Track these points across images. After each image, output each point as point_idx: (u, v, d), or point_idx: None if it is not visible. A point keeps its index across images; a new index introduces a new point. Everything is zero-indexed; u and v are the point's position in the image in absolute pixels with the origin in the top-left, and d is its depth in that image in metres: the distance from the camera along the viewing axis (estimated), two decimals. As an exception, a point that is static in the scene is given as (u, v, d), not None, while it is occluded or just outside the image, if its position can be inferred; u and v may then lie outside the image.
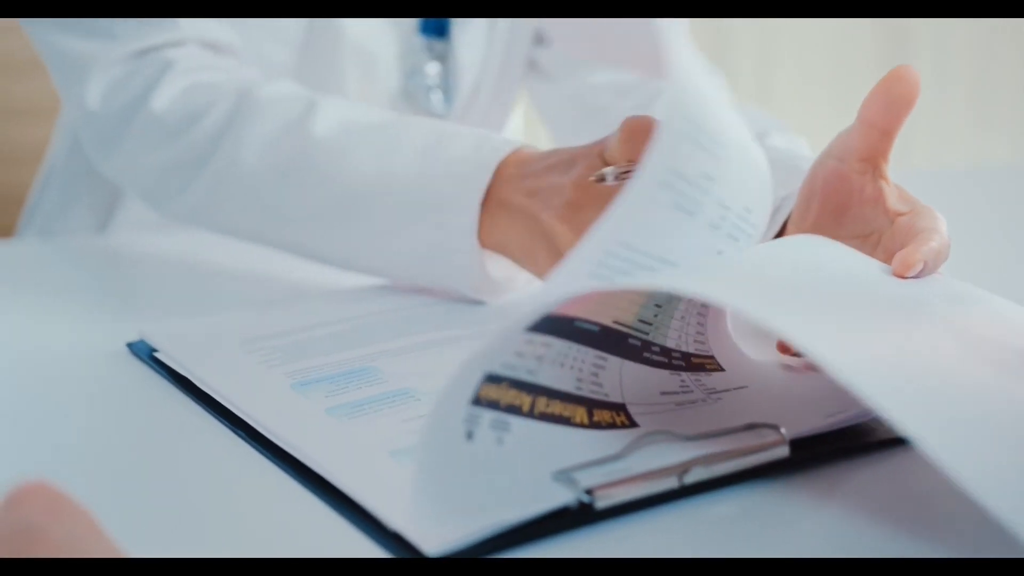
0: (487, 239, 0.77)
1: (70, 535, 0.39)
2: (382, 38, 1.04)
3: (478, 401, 0.53)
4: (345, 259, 0.83)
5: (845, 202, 0.71)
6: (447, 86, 1.05)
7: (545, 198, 0.74)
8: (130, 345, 0.76)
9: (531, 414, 0.55)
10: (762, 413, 0.61)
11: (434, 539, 0.50)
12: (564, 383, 0.57)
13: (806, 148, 0.87)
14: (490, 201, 0.77)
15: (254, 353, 0.72)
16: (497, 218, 0.77)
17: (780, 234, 0.78)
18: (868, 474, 0.59)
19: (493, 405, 0.53)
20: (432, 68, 1.04)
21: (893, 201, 0.70)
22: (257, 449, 0.62)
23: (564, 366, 0.57)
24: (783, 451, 0.59)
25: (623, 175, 0.71)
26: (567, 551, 0.52)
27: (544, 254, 0.74)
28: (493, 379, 0.53)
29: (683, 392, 0.63)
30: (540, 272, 0.76)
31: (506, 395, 0.54)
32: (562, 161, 0.75)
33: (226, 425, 0.65)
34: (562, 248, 0.72)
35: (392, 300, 0.80)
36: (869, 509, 0.56)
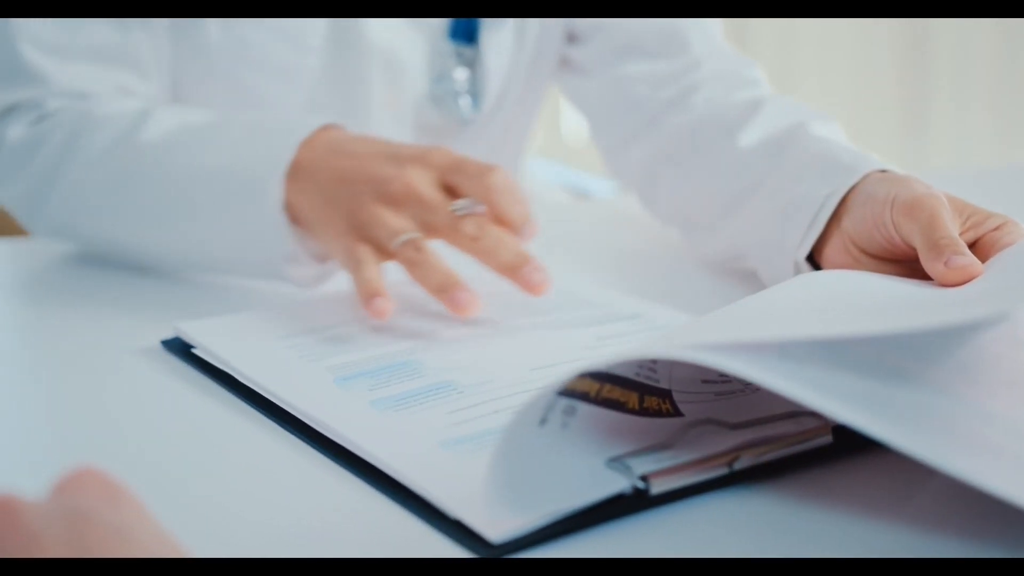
0: (297, 214, 0.82)
1: (122, 521, 0.39)
2: (409, 43, 1.05)
3: (563, 391, 0.54)
4: (182, 258, 0.89)
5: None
6: (475, 91, 1.06)
7: (354, 176, 0.80)
8: (164, 342, 0.76)
9: (596, 399, 0.56)
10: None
11: (497, 526, 0.51)
12: (628, 370, 0.58)
13: (844, 137, 0.88)
14: (299, 173, 0.82)
15: (293, 349, 0.72)
16: (304, 191, 0.82)
17: (823, 236, 0.79)
18: (911, 461, 0.60)
19: (571, 393, 0.54)
20: (461, 74, 1.05)
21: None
22: (305, 441, 0.62)
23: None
24: (826, 438, 0.60)
25: (466, 211, 0.78)
26: (621, 538, 0.53)
27: (343, 226, 0.79)
28: (584, 374, 0.54)
29: (722, 382, 0.64)
30: (332, 246, 0.80)
31: (582, 383, 0.55)
32: (382, 151, 0.81)
33: (271, 418, 0.65)
34: (361, 221, 0.78)
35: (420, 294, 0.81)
36: (913, 496, 0.57)
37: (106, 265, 0.93)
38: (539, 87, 1.11)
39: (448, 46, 1.05)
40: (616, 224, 1.08)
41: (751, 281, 0.86)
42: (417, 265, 0.77)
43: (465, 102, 1.06)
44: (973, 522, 0.54)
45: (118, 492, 0.41)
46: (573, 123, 1.12)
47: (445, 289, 0.76)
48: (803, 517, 0.55)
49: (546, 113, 1.18)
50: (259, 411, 0.66)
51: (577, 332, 0.75)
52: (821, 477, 0.58)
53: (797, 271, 0.81)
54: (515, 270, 0.77)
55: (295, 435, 0.63)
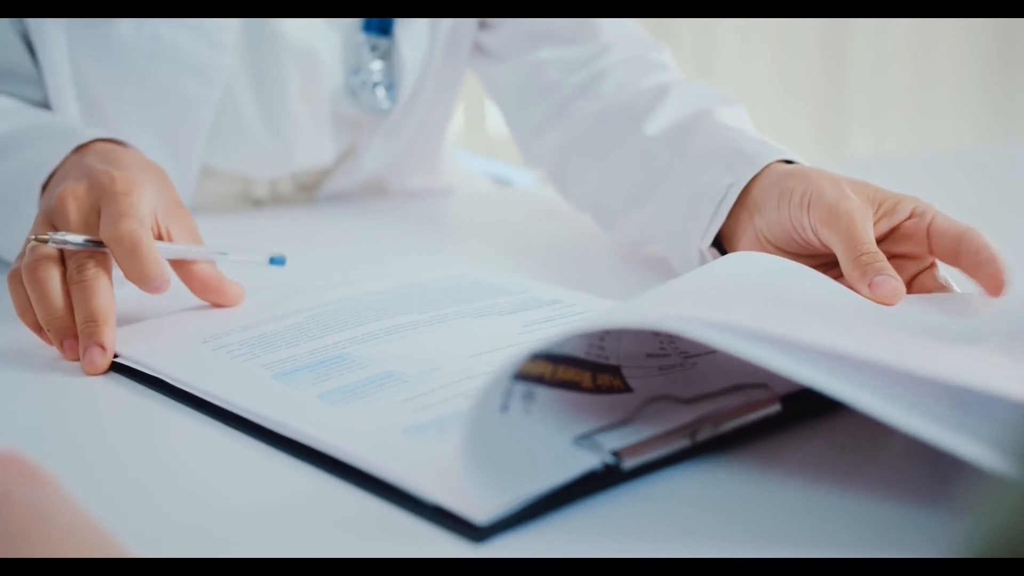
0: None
1: (41, 501, 0.40)
2: (323, 37, 1.04)
3: (518, 376, 0.54)
4: None
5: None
6: (391, 82, 1.05)
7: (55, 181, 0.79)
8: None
9: (552, 382, 0.56)
10: (742, 375, 0.63)
11: (481, 509, 0.51)
12: (579, 348, 0.58)
13: (750, 123, 0.90)
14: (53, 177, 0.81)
15: (219, 350, 0.71)
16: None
17: (726, 226, 0.81)
18: (854, 422, 0.62)
19: (525, 377, 0.54)
20: (376, 65, 1.04)
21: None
22: (256, 438, 0.61)
23: (583, 335, 0.58)
24: (775, 408, 0.61)
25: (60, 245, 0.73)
26: (597, 515, 0.53)
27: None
28: (535, 356, 0.54)
29: (662, 355, 0.65)
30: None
31: (536, 367, 0.55)
32: (99, 169, 0.77)
33: (215, 419, 0.64)
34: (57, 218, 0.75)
35: (337, 292, 0.80)
36: (863, 455, 0.59)
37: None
38: (456, 75, 1.11)
39: (362, 38, 1.04)
40: (537, 213, 1.09)
41: (666, 270, 0.88)
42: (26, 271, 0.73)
43: (381, 93, 1.05)
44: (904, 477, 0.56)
45: (36, 473, 0.41)
46: (496, 118, 1.12)
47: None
48: (761, 483, 0.57)
49: (469, 108, 1.18)
50: (200, 412, 0.64)
51: (503, 319, 0.75)
52: (772, 444, 0.60)
53: (702, 260, 0.83)
54: (77, 334, 0.71)
55: (244, 433, 0.62)
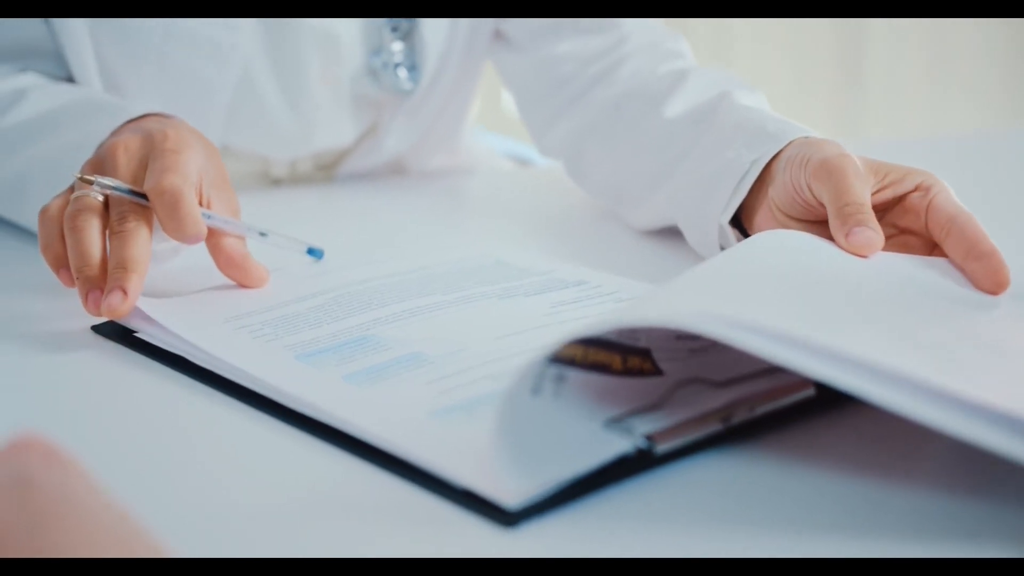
0: None
1: (66, 485, 0.39)
2: (343, 18, 1.02)
3: (551, 358, 0.53)
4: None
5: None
6: (412, 62, 1.04)
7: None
8: (95, 327, 0.73)
9: (583, 364, 0.55)
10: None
11: (511, 493, 0.50)
12: (609, 332, 0.57)
13: (768, 106, 0.89)
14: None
15: (242, 330, 0.70)
16: None
17: (746, 202, 0.79)
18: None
19: (557, 360, 0.53)
20: (397, 46, 1.03)
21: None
22: (280, 419, 0.60)
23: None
24: (809, 391, 0.60)
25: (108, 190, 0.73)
26: (632, 499, 0.52)
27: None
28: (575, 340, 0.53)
29: (692, 338, 0.64)
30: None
31: (568, 349, 0.54)
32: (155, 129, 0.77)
33: (238, 399, 0.63)
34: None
35: (360, 273, 0.79)
36: (905, 441, 0.58)
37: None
38: (477, 59, 1.10)
39: (383, 19, 1.03)
40: (558, 191, 1.08)
41: (689, 247, 0.86)
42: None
43: (403, 74, 1.04)
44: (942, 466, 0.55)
45: (61, 457, 0.40)
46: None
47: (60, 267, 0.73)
48: (795, 471, 0.55)
49: (486, 88, 1.17)
50: (223, 392, 0.63)
51: (529, 300, 0.74)
52: (806, 430, 0.59)
53: (721, 236, 0.82)
54: (106, 282, 0.70)
55: (268, 414, 0.61)
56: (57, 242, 0.73)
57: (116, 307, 0.69)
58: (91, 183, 0.73)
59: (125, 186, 0.73)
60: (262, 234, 0.79)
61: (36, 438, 0.41)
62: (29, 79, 0.96)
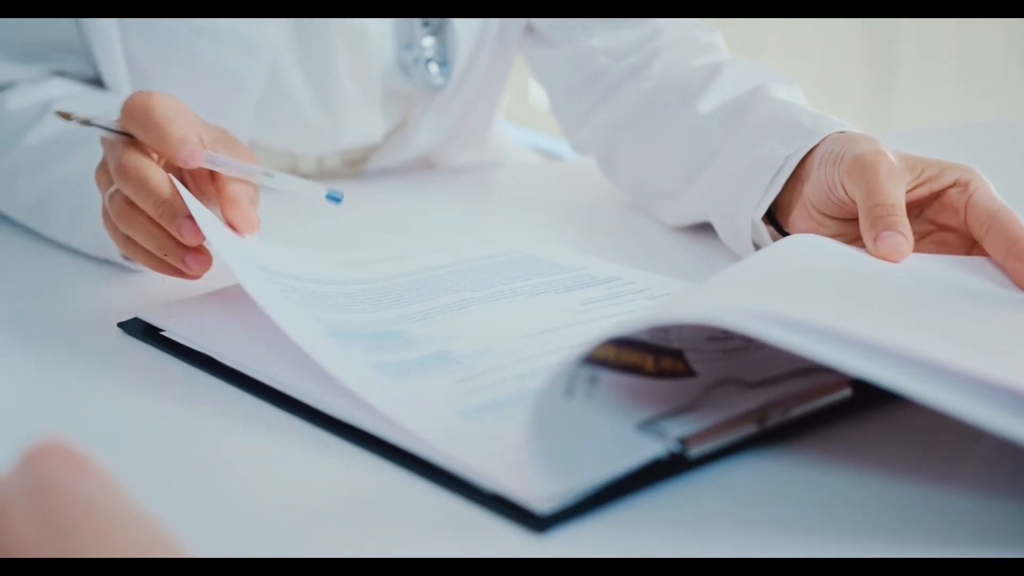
0: None
1: (89, 491, 0.38)
2: None
3: (585, 360, 0.52)
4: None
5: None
6: (444, 58, 1.03)
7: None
8: (122, 324, 0.72)
9: (615, 365, 0.54)
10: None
11: (542, 498, 0.49)
12: (641, 332, 0.56)
13: (803, 100, 0.87)
14: None
15: (275, 284, 0.69)
16: None
17: (781, 197, 0.78)
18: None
19: (591, 361, 0.52)
20: (428, 41, 1.02)
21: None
22: (308, 421, 0.59)
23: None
24: (846, 392, 0.59)
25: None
26: (664, 504, 0.51)
27: None
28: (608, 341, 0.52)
29: (726, 339, 0.63)
30: None
31: (601, 349, 0.52)
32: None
33: (264, 399, 0.62)
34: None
35: (387, 268, 0.78)
36: (944, 443, 0.56)
37: (28, 249, 0.88)
38: (508, 54, 1.09)
39: None
40: (588, 185, 1.07)
41: (721, 245, 0.85)
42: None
43: (435, 69, 1.03)
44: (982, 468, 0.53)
45: (84, 462, 0.40)
46: (540, 90, 1.10)
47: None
48: (832, 474, 0.54)
49: (513, 81, 1.15)
50: (247, 391, 0.63)
51: (559, 298, 0.73)
52: (842, 432, 0.58)
53: (755, 233, 0.80)
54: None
55: (293, 414, 0.60)
56: (132, 247, 0.74)
57: (192, 263, 0.71)
58: (69, 117, 0.73)
59: (104, 120, 0.72)
60: (267, 175, 0.76)
61: (59, 444, 0.40)
62: (55, 88, 0.95)
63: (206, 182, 0.76)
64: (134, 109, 0.72)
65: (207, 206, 0.73)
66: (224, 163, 0.74)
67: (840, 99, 2.59)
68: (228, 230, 0.73)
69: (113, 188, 0.72)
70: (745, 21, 2.57)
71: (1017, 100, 2.63)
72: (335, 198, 0.76)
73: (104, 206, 0.74)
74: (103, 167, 0.75)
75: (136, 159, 0.71)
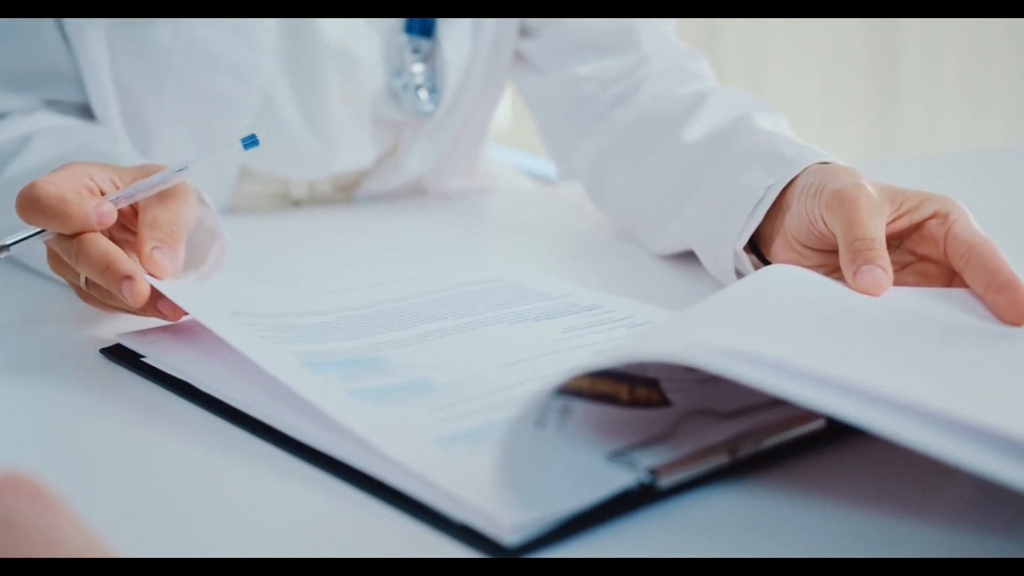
0: None
1: (49, 524, 0.38)
2: (364, 39, 1.03)
3: (559, 391, 0.52)
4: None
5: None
6: (433, 84, 1.04)
7: None
8: (104, 351, 0.72)
9: (589, 395, 0.54)
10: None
11: (509, 529, 0.49)
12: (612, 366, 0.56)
13: (789, 129, 0.88)
14: None
15: (248, 326, 0.69)
16: None
17: (763, 227, 0.78)
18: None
19: (564, 392, 0.52)
20: (418, 68, 1.03)
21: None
22: (286, 451, 0.59)
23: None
24: (819, 423, 0.59)
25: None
26: (628, 536, 0.51)
27: None
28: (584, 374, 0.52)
29: (700, 369, 0.63)
30: None
31: (575, 380, 0.53)
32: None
33: (242, 428, 0.62)
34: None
35: (370, 295, 0.78)
36: (917, 474, 0.56)
37: (11, 277, 0.89)
38: (498, 80, 1.10)
39: (404, 40, 1.03)
40: (578, 211, 1.07)
41: (706, 274, 0.86)
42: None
43: (424, 96, 1.04)
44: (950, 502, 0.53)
45: (43, 495, 0.40)
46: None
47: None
48: (804, 506, 0.54)
49: (504, 102, 1.16)
50: (226, 420, 0.63)
51: (539, 325, 0.73)
52: (815, 464, 0.58)
53: (737, 261, 0.81)
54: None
55: (270, 443, 0.60)
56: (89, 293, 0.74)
57: (138, 293, 0.69)
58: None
59: (10, 240, 0.72)
60: (181, 170, 0.75)
61: (21, 477, 0.40)
62: (38, 122, 0.95)
63: (131, 220, 0.76)
64: (24, 208, 0.71)
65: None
66: (133, 191, 0.74)
67: (844, 109, 2.60)
68: (193, 286, 0.73)
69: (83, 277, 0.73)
70: (750, 38, 2.58)
71: (1022, 108, 2.63)
72: (252, 142, 0.76)
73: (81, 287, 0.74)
74: (53, 256, 0.75)
75: (84, 242, 0.71)
